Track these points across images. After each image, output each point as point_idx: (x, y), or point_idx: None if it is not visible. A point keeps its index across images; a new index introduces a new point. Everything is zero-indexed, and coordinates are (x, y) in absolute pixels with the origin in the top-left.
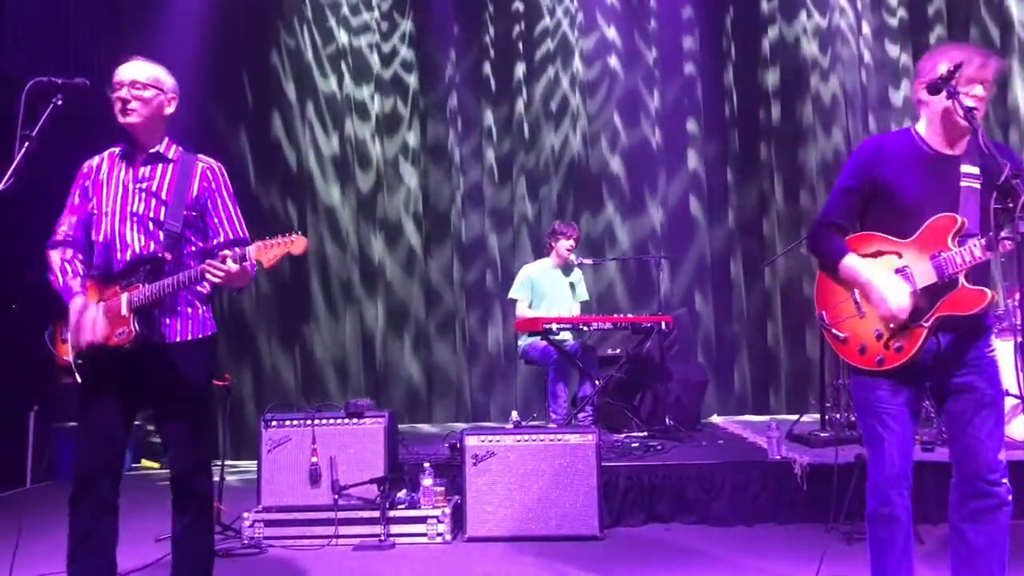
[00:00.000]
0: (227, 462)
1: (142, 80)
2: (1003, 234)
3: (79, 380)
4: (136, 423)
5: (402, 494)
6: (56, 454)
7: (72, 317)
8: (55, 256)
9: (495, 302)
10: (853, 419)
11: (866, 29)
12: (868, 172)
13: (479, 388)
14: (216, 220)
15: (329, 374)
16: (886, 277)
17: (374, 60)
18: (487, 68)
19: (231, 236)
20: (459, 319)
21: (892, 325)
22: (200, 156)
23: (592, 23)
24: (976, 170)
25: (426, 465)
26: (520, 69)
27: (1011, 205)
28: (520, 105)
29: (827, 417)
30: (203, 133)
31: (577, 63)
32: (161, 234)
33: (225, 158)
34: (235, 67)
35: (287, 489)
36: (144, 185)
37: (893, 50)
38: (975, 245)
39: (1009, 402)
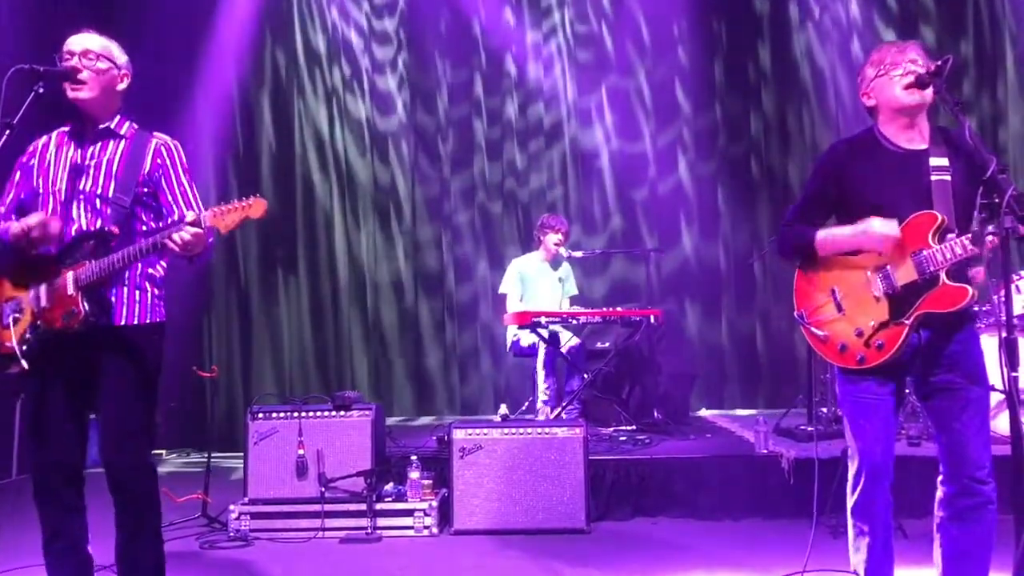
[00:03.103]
0: (213, 454)
1: (95, 50)
2: (988, 229)
3: (25, 367)
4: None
5: (389, 487)
6: None
7: (25, 233)
8: None
9: (484, 294)
10: (839, 414)
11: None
12: (835, 175)
13: (467, 381)
14: (170, 197)
15: (316, 366)
16: (867, 223)
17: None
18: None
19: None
20: (447, 310)
21: (891, 250)
22: (155, 133)
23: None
24: (945, 161)
25: (413, 458)
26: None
27: (997, 200)
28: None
29: (814, 411)
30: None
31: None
32: (109, 209)
33: (205, 154)
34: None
35: (274, 482)
36: (93, 162)
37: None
38: (956, 243)
39: (995, 397)
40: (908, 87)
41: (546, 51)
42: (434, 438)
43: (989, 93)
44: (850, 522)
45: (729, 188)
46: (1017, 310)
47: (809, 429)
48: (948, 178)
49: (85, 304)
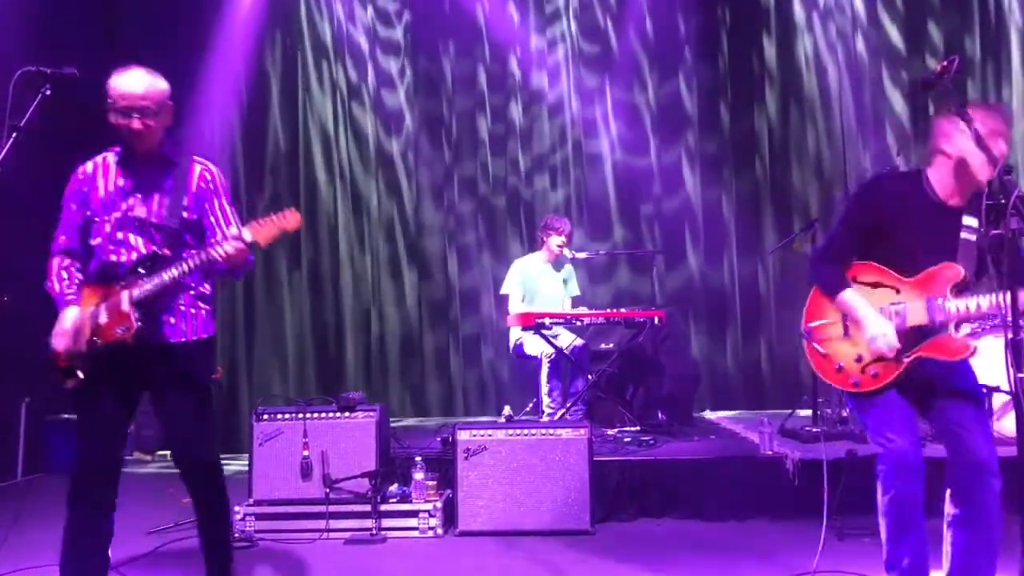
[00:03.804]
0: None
1: (152, 104)
2: (993, 231)
3: (81, 378)
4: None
5: (394, 488)
6: (48, 446)
7: (59, 323)
8: (54, 264)
9: (488, 294)
10: (844, 414)
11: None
12: (874, 212)
13: (471, 382)
14: (212, 219)
15: (319, 367)
16: (878, 318)
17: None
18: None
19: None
20: (452, 312)
21: (876, 357)
22: (196, 158)
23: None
24: (975, 222)
25: (418, 459)
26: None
27: (1003, 201)
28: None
29: (819, 412)
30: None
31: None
32: (159, 234)
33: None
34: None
35: (278, 483)
36: (143, 190)
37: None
38: (972, 301)
39: (999, 398)
40: (993, 167)
41: (551, 59)
42: (438, 439)
43: (995, 91)
44: (882, 523)
45: (735, 190)
46: None
47: (814, 430)
48: (973, 238)
49: (138, 319)
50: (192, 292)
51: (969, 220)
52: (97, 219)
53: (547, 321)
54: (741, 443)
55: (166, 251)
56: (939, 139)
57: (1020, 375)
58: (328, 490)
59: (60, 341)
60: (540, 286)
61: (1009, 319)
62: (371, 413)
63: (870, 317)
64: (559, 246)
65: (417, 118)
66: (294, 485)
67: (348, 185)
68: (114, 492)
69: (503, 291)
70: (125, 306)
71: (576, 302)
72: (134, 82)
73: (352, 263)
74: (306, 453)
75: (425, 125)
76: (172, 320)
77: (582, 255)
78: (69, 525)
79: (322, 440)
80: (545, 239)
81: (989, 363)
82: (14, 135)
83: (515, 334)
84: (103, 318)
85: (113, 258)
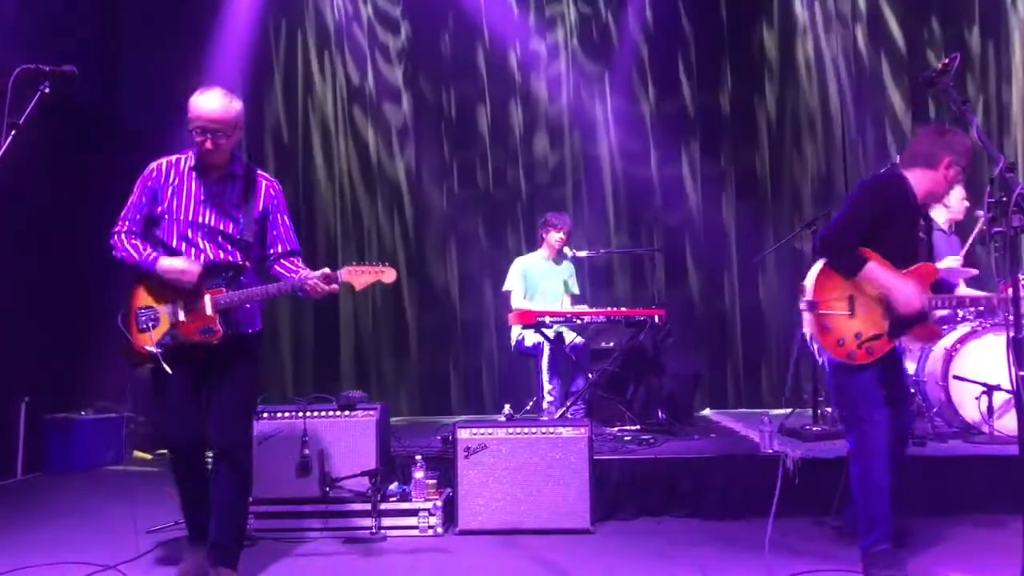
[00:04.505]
0: None
1: (226, 126)
2: (995, 228)
3: (168, 371)
4: (127, 415)
5: (394, 487)
6: (47, 445)
7: (169, 272)
8: (121, 240)
9: (488, 292)
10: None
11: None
12: (884, 208)
13: (471, 381)
14: (275, 232)
15: (318, 365)
16: (904, 282)
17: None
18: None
19: (287, 247)
20: (452, 310)
21: (906, 317)
22: (262, 173)
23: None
24: (923, 224)
25: (418, 458)
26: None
27: (1005, 199)
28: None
29: (819, 411)
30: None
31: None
32: (232, 245)
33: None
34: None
35: (278, 481)
36: (215, 200)
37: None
38: (948, 299)
39: (1000, 396)
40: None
41: (551, 52)
42: (439, 438)
43: (995, 87)
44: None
45: (735, 185)
46: None
47: (814, 429)
48: (924, 239)
49: (221, 325)
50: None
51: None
52: (167, 217)
53: (548, 319)
54: (741, 442)
55: (247, 263)
56: (947, 163)
57: (1021, 373)
58: (328, 489)
59: (184, 278)
60: (541, 284)
61: (1011, 317)
62: (371, 412)
63: (898, 283)
64: (559, 242)
65: (416, 109)
66: (294, 484)
67: (347, 181)
68: (203, 458)
69: (505, 288)
70: (210, 311)
71: (576, 301)
72: (211, 104)
73: (350, 260)
74: (306, 452)
75: (424, 118)
76: (241, 316)
77: (583, 253)
78: (178, 485)
79: (322, 439)
80: (544, 236)
81: (990, 361)
82: (12, 133)
83: (516, 331)
84: (182, 316)
85: (190, 259)
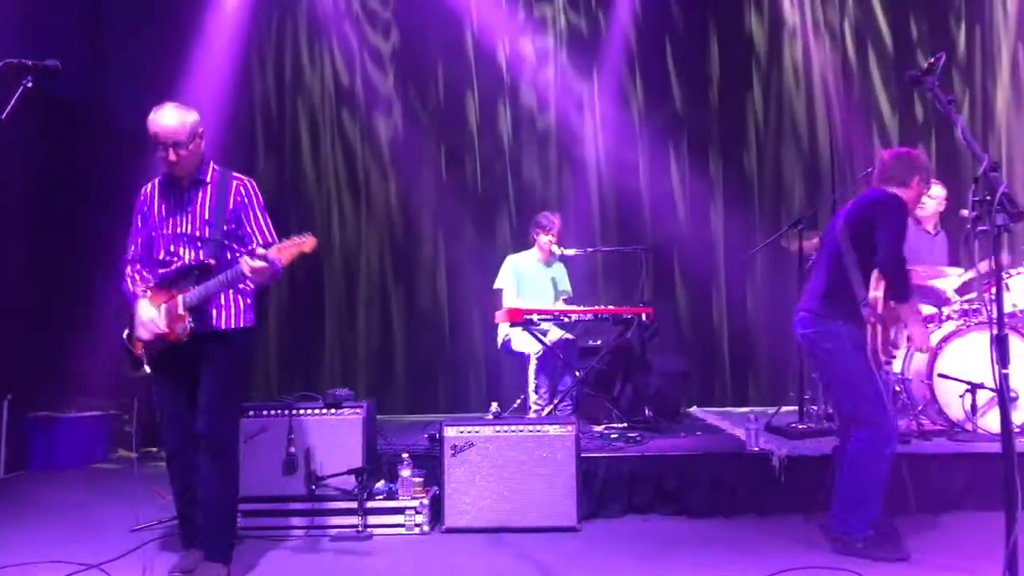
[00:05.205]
0: None
1: (183, 137)
2: (980, 227)
3: (148, 371)
4: (112, 412)
5: (380, 485)
6: (30, 443)
7: (136, 317)
8: (128, 270)
9: (476, 290)
10: (831, 411)
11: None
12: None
13: (459, 379)
14: (249, 229)
15: (307, 363)
16: (925, 328)
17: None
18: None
19: (261, 242)
20: (439, 308)
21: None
22: (234, 174)
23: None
24: None
25: (404, 456)
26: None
27: (988, 198)
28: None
29: (805, 409)
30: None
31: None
32: (205, 246)
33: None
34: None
35: (264, 479)
36: (189, 208)
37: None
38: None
39: (984, 395)
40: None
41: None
42: (426, 436)
43: (980, 85)
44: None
45: (723, 183)
46: (1007, 308)
47: (800, 427)
48: None
49: (191, 321)
50: (232, 289)
51: None
52: (155, 234)
53: (535, 317)
54: (727, 440)
55: (212, 261)
56: (918, 184)
57: (1004, 371)
58: (314, 487)
59: (144, 331)
60: (532, 283)
61: (994, 315)
62: (358, 410)
63: (921, 323)
64: (549, 243)
65: (404, 105)
66: (279, 482)
67: (332, 180)
68: (196, 451)
69: (496, 285)
70: (180, 310)
71: (569, 302)
72: (166, 120)
73: (338, 258)
74: (292, 449)
75: (412, 113)
76: (215, 311)
77: (571, 252)
78: (172, 481)
79: (308, 437)
80: (536, 237)
81: (974, 359)
82: None
83: (503, 330)
84: (163, 321)
85: (172, 267)
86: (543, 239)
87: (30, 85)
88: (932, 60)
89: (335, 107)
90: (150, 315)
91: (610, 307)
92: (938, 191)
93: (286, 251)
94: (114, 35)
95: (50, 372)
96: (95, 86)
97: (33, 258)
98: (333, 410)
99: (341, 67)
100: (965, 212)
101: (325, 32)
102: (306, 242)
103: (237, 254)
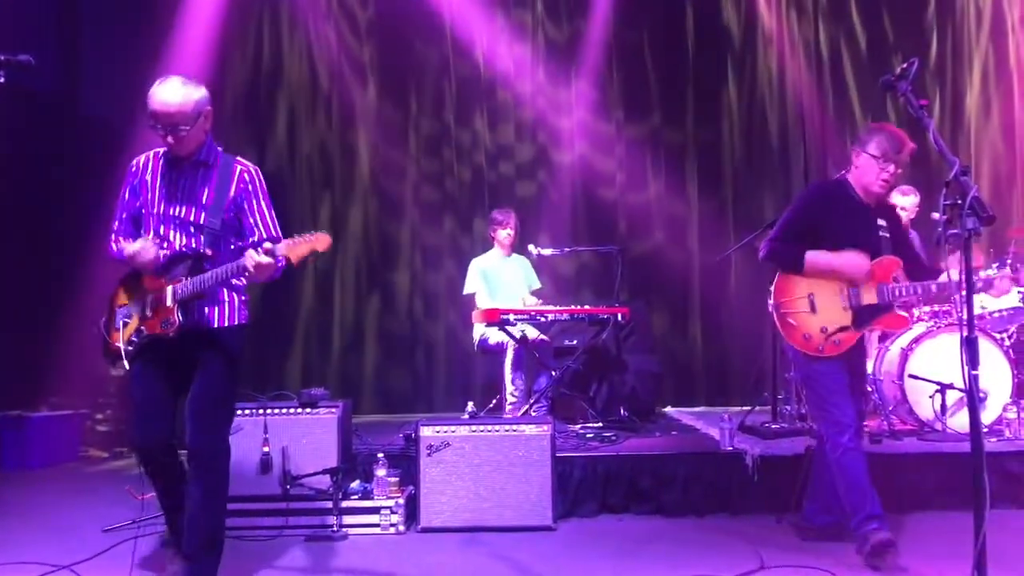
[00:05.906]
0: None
1: (187, 112)
2: (950, 231)
3: (127, 367)
4: (84, 411)
5: (355, 484)
6: (1, 442)
7: (131, 258)
8: (112, 242)
9: (452, 290)
10: (804, 411)
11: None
12: (815, 215)
13: (434, 379)
14: (252, 220)
15: (283, 363)
16: (847, 254)
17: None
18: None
19: (265, 236)
20: (415, 307)
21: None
22: (238, 159)
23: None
24: (884, 223)
25: (380, 455)
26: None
27: (959, 202)
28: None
29: (778, 409)
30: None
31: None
32: (202, 235)
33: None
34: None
35: (238, 479)
36: (186, 190)
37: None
38: (912, 287)
39: (953, 395)
40: (884, 185)
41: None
42: (401, 435)
43: (952, 89)
44: (848, 462)
45: (698, 186)
46: (976, 310)
47: (774, 426)
48: (888, 236)
49: (180, 315)
50: (226, 285)
51: (880, 221)
52: (144, 211)
53: (511, 317)
54: (702, 439)
55: (208, 251)
56: (853, 151)
57: (974, 372)
58: (288, 486)
59: (144, 252)
60: (500, 281)
61: (964, 317)
62: (333, 409)
63: (840, 256)
64: (508, 237)
65: (381, 101)
66: (254, 481)
67: (305, 171)
68: (170, 454)
69: (466, 291)
70: (169, 302)
71: (537, 293)
72: (169, 95)
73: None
74: (266, 449)
75: (390, 113)
76: (207, 309)
77: (547, 252)
78: (151, 480)
79: (283, 436)
80: (493, 235)
81: (944, 360)
82: None
83: (479, 330)
84: (148, 312)
85: (161, 252)
86: (501, 234)
87: (2, 80)
88: (905, 65)
89: (311, 93)
90: (136, 245)
91: (586, 307)
92: (909, 200)
93: (297, 249)
94: (89, 27)
95: (21, 371)
96: (67, 78)
97: (3, 256)
98: (308, 409)
99: (318, 52)
100: (936, 215)
101: (302, 17)
102: (319, 240)
103: (232, 247)
